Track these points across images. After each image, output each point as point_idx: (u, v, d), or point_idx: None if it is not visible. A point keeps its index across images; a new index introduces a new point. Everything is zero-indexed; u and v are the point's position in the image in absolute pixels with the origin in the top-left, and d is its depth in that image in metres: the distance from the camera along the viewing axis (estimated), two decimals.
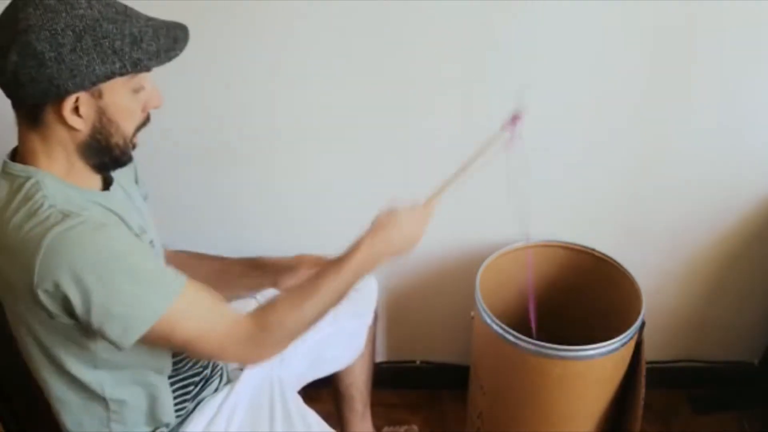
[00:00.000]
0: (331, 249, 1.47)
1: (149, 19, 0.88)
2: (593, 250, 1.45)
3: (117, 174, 1.02)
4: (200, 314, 0.93)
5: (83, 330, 0.88)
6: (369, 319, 1.38)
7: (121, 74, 0.85)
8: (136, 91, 0.90)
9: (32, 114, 0.86)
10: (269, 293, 1.22)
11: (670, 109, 1.34)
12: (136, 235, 0.96)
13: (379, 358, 1.76)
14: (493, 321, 1.30)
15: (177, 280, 0.90)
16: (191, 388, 1.10)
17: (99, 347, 0.91)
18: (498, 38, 1.26)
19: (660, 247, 1.54)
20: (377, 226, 1.04)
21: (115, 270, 0.85)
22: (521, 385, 1.36)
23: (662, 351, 1.69)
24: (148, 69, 0.88)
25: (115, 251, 0.85)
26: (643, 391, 1.37)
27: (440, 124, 1.36)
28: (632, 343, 1.33)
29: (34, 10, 0.80)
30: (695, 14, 1.23)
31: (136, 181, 1.12)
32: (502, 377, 1.39)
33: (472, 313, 1.43)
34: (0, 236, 0.86)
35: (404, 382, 1.77)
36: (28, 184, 0.87)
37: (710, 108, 1.34)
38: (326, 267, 1.02)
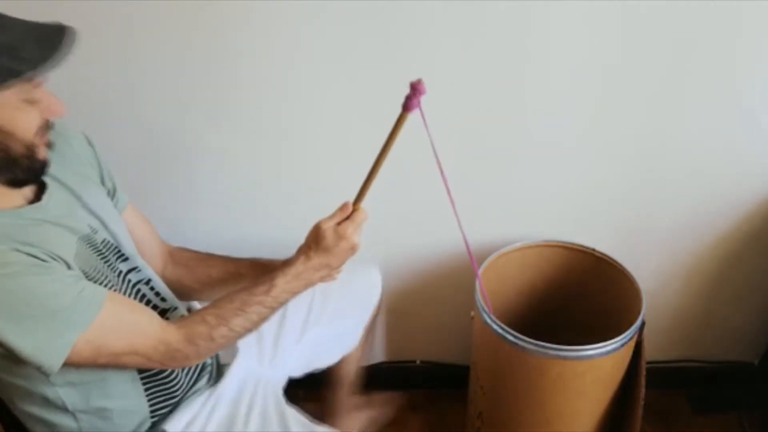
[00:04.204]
0: None
1: (27, 24, 0.85)
2: (593, 250, 1.45)
3: (61, 174, 1.00)
4: (124, 330, 0.93)
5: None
6: (366, 318, 1.38)
7: (6, 82, 0.81)
8: (30, 102, 0.87)
9: None
10: None
11: (671, 109, 1.34)
12: (85, 237, 0.96)
13: (379, 358, 1.76)
14: (493, 321, 1.30)
15: (93, 302, 0.89)
16: (174, 390, 1.09)
17: None
18: (500, 35, 1.26)
19: (660, 247, 1.54)
20: (310, 241, 1.01)
21: (22, 309, 0.83)
22: (521, 385, 1.36)
23: (662, 351, 1.69)
24: (29, 79, 0.84)
25: (21, 291, 0.83)
26: (643, 391, 1.37)
27: (443, 123, 1.36)
28: (632, 343, 1.33)
29: None
30: (695, 16, 1.22)
31: (102, 181, 1.11)
32: (502, 377, 1.39)
33: (472, 313, 1.43)
34: None
35: (404, 382, 1.77)
36: None
37: (710, 108, 1.34)
38: (258, 282, 1.00)
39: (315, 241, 1.00)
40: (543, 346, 1.25)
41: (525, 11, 1.23)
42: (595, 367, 1.29)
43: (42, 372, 0.87)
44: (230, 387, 1.16)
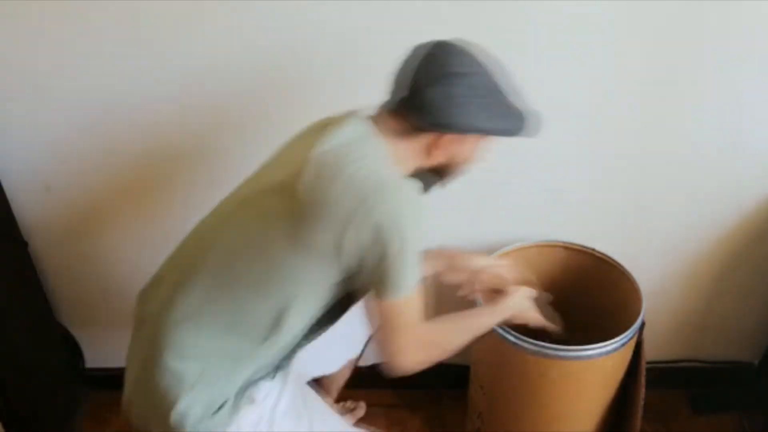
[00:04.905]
0: None
1: (507, 99, 1.02)
2: (593, 250, 1.45)
3: None
4: (416, 308, 1.02)
5: (346, 274, 0.98)
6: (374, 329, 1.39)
7: (487, 134, 1.02)
8: (477, 148, 1.05)
9: (413, 131, 0.99)
10: None
11: (671, 109, 1.34)
12: None
13: (379, 359, 1.75)
14: None
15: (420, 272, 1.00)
16: (299, 346, 1.14)
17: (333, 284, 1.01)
18: (500, 35, 1.26)
19: (660, 247, 1.54)
20: (516, 297, 1.22)
21: (413, 242, 0.95)
22: (521, 385, 1.36)
23: (662, 351, 1.69)
24: (501, 137, 1.02)
25: (420, 228, 0.96)
26: (643, 391, 1.37)
27: None
28: (632, 343, 1.33)
29: (461, 60, 0.96)
30: (695, 14, 1.23)
31: None
32: (502, 377, 1.39)
33: None
34: (333, 163, 0.95)
35: (404, 382, 1.76)
36: (378, 141, 0.98)
37: (710, 108, 1.34)
38: (480, 310, 1.22)
39: (522, 297, 1.23)
40: (543, 347, 1.25)
41: (525, 11, 1.23)
42: (595, 367, 1.29)
43: (378, 295, 0.98)
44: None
